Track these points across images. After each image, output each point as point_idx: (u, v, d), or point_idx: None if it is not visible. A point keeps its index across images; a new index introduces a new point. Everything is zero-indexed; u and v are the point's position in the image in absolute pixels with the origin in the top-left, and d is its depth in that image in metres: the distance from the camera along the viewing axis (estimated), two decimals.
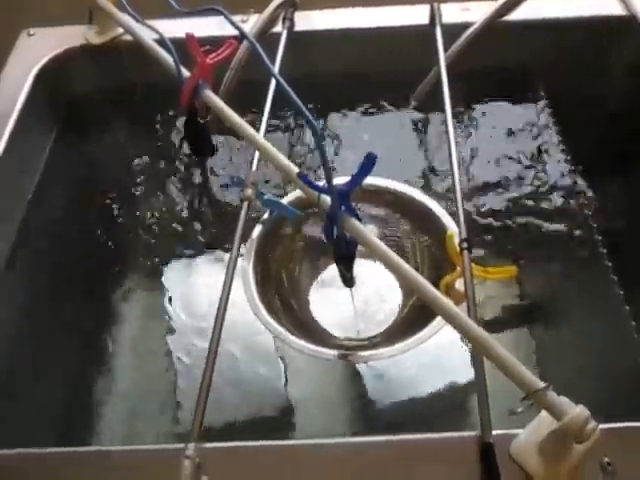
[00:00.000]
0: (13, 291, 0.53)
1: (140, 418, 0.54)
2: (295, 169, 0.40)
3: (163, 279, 0.58)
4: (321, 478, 0.35)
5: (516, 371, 0.32)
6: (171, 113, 0.65)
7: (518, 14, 0.61)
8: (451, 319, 0.34)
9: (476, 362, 0.36)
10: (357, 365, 0.51)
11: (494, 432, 0.34)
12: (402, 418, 0.49)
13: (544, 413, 0.33)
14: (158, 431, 0.52)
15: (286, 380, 0.51)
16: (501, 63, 0.64)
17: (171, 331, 0.55)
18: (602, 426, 0.32)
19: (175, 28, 0.52)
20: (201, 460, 0.33)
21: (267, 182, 0.61)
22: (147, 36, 0.53)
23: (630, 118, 0.62)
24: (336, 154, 0.64)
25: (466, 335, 0.33)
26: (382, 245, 0.36)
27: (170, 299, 0.56)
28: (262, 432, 0.49)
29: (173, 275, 0.58)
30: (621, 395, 0.48)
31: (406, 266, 0.35)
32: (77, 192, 0.64)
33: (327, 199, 0.37)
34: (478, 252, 0.44)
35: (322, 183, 0.36)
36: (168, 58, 0.48)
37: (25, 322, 0.53)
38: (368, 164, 0.34)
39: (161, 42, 0.49)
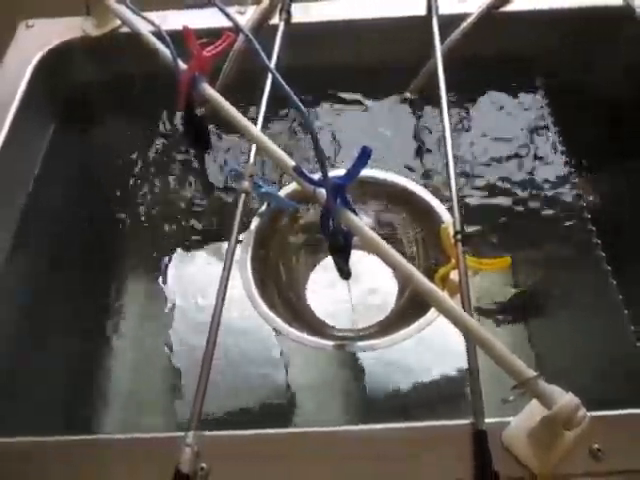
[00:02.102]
0: (13, 289, 0.53)
1: (141, 411, 0.55)
2: (291, 162, 0.40)
3: (162, 272, 0.59)
4: (317, 465, 0.36)
5: (508, 360, 0.33)
6: (170, 105, 0.65)
7: (514, 5, 0.61)
8: (444, 310, 0.34)
9: (469, 352, 0.37)
10: (354, 355, 0.52)
11: (487, 420, 0.35)
12: (398, 406, 0.50)
13: (535, 401, 0.33)
14: (159, 423, 0.53)
15: (284, 369, 0.52)
16: (498, 54, 0.64)
17: (171, 323, 0.55)
18: (592, 414, 0.33)
19: (174, 19, 0.53)
20: (200, 448, 0.34)
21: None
22: (145, 28, 0.53)
23: (627, 110, 0.62)
24: (333, 146, 0.64)
25: (459, 326, 0.34)
26: (377, 238, 0.37)
27: (169, 292, 0.57)
28: (261, 421, 0.50)
29: (172, 268, 0.58)
30: (614, 382, 0.49)
31: (400, 258, 0.36)
32: (76, 185, 0.64)
33: (323, 192, 0.37)
34: (472, 244, 0.44)
35: (319, 176, 0.37)
36: (166, 51, 0.48)
37: (23, 319, 0.53)
38: (363, 157, 0.35)
39: (158, 35, 0.49)
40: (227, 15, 0.42)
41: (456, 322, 0.34)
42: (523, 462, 0.34)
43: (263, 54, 0.37)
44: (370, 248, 0.37)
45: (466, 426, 0.35)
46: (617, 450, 0.34)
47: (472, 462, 0.34)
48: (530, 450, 0.34)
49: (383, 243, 0.37)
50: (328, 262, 0.54)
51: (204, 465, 0.35)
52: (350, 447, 0.36)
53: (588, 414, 0.32)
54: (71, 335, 0.56)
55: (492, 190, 0.60)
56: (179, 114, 0.61)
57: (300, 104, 0.34)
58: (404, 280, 0.49)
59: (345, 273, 0.47)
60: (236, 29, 0.42)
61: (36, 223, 0.56)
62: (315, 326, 0.52)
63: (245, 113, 0.44)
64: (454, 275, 0.43)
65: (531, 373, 0.32)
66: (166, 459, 0.33)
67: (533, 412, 0.34)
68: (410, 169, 0.61)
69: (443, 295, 0.35)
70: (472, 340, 0.36)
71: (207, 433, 0.35)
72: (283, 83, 0.35)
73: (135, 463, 0.36)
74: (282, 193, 0.53)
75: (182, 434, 0.34)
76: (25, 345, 0.52)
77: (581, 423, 0.31)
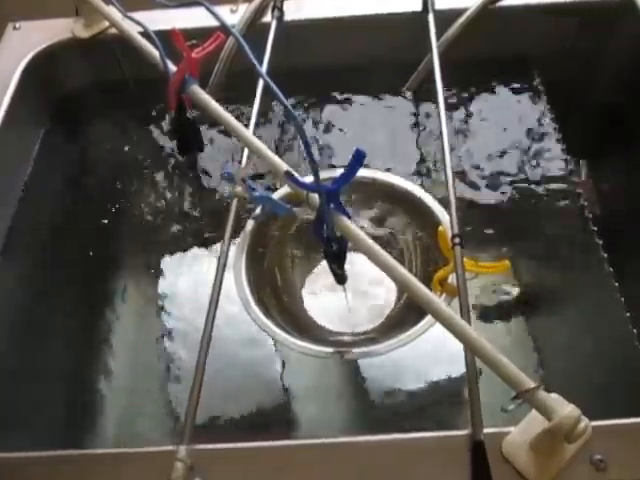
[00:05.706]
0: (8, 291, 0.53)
1: (138, 415, 0.54)
2: (284, 166, 0.39)
3: (157, 276, 0.58)
4: (315, 476, 0.35)
5: (507, 370, 0.32)
6: (161, 107, 0.64)
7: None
8: (441, 319, 0.33)
9: (467, 362, 0.36)
10: (352, 361, 0.51)
11: (485, 430, 0.34)
12: (397, 413, 0.49)
13: (535, 412, 0.33)
14: (156, 429, 0.53)
15: (281, 377, 0.51)
16: (496, 49, 0.63)
17: (167, 328, 0.54)
18: (593, 423, 0.32)
19: (163, 19, 0.52)
20: (193, 462, 0.33)
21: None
22: (134, 29, 0.52)
23: (627, 107, 0.61)
24: (329, 144, 0.63)
25: (456, 335, 0.33)
26: (371, 243, 0.36)
27: (165, 296, 0.56)
28: (256, 429, 0.49)
29: (167, 272, 0.57)
30: (615, 384, 0.48)
31: (395, 264, 0.35)
32: (67, 188, 0.63)
33: (316, 197, 0.36)
34: (471, 244, 0.43)
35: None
36: (155, 52, 0.47)
37: (21, 321, 0.53)
38: (357, 160, 0.34)
39: (147, 35, 0.48)
40: (216, 16, 0.41)
41: (454, 331, 0.33)
42: (523, 474, 0.33)
43: (252, 56, 0.36)
44: (364, 253, 0.36)
45: (464, 437, 0.35)
46: (620, 460, 0.33)
47: (470, 473, 0.33)
48: (530, 461, 0.33)
49: (378, 248, 0.36)
50: (324, 265, 0.53)
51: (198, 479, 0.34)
52: (348, 458, 0.35)
53: (590, 424, 0.31)
54: (67, 332, 0.55)
55: (491, 190, 0.59)
56: (170, 116, 0.60)
57: (290, 108, 0.33)
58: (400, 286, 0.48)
59: (340, 277, 0.46)
60: (225, 30, 0.41)
61: (26, 228, 0.56)
62: (312, 330, 0.51)
63: (237, 115, 0.43)
64: (452, 278, 0.43)
65: (531, 383, 0.31)
66: (159, 473, 0.32)
67: (533, 422, 0.33)
68: (407, 169, 0.60)
69: (440, 303, 0.34)
70: (470, 349, 0.35)
71: (200, 446, 0.34)
72: (274, 87, 0.33)
73: (127, 478, 0.35)
74: (276, 196, 0.52)
75: (174, 448, 0.33)
76: (16, 343, 0.51)
77: (582, 435, 0.30)
